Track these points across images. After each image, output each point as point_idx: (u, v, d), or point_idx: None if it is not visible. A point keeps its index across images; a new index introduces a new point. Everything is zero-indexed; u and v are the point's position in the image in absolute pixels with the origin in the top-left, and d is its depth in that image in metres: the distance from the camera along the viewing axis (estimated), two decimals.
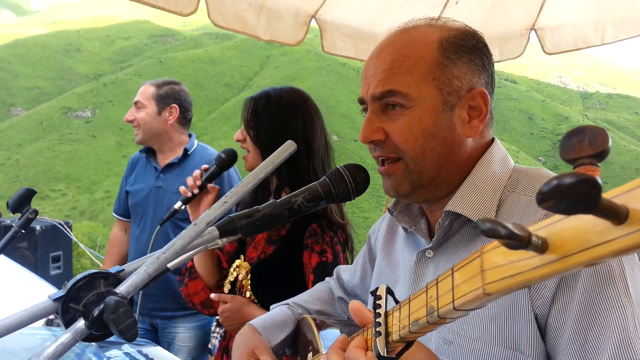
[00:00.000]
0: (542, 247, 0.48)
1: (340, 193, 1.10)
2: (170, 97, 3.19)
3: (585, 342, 0.90)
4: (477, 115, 1.12)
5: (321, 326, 1.56)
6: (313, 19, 2.81)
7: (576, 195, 0.39)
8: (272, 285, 2.06)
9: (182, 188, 2.09)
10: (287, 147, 1.09)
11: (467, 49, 1.12)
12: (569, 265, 0.47)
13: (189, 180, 2.08)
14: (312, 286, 1.98)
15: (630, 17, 2.76)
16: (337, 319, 1.61)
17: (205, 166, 2.12)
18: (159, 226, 2.17)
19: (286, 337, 1.48)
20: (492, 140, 1.19)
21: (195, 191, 2.05)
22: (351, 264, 2.11)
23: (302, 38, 2.75)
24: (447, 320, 0.68)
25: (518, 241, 0.47)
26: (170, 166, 3.20)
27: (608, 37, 2.78)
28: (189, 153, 3.21)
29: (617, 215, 0.41)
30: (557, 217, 0.48)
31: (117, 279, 0.85)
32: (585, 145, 0.46)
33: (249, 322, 1.52)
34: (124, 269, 0.88)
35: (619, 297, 0.89)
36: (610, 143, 0.46)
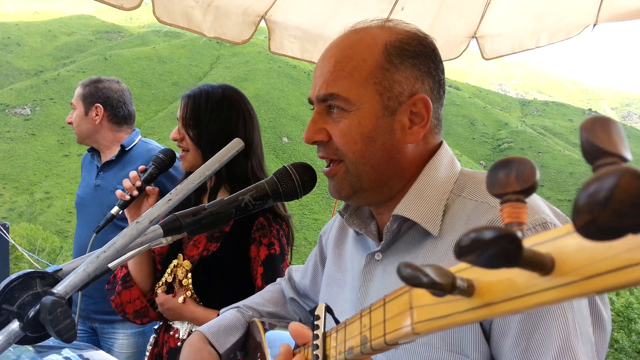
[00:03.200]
0: (468, 290, 0.46)
1: (287, 191, 1.11)
2: (93, 96, 3.11)
3: (528, 346, 0.92)
4: (419, 121, 1.11)
5: (269, 329, 1.55)
6: (263, 20, 2.81)
7: (495, 251, 0.37)
8: (216, 283, 2.03)
9: (118, 192, 2.00)
10: (234, 145, 1.09)
11: (411, 53, 1.11)
12: (496, 313, 0.44)
13: (126, 183, 1.99)
14: (261, 279, 1.97)
15: (563, 26, 2.93)
16: (288, 321, 1.59)
17: (142, 167, 2.05)
18: (95, 234, 2.07)
19: (237, 341, 1.45)
20: (440, 144, 1.19)
21: (135, 193, 1.98)
22: (292, 257, 2.12)
23: (248, 37, 2.74)
24: (382, 351, 0.66)
25: (441, 290, 0.44)
26: (108, 164, 3.11)
27: (542, 42, 2.95)
28: (127, 149, 3.11)
29: (542, 266, 0.39)
30: None
31: (55, 278, 0.83)
32: (512, 180, 0.43)
33: (198, 329, 1.47)
34: (61, 269, 0.86)
35: (561, 303, 0.93)
36: (537, 177, 0.43)
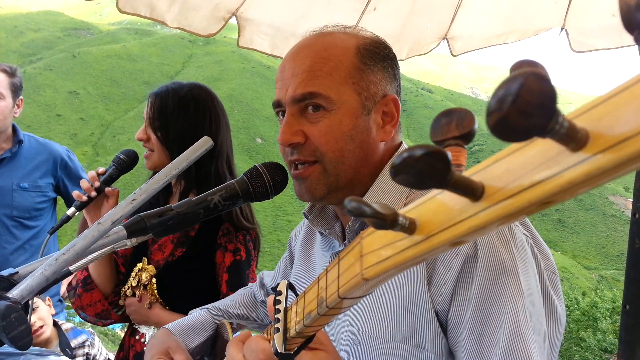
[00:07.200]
0: (410, 227, 0.47)
1: (258, 191, 1.08)
2: (19, 87, 2.90)
3: (481, 334, 0.95)
4: (390, 120, 1.16)
5: (238, 330, 1.54)
6: (234, 17, 2.78)
7: (425, 168, 0.38)
8: (181, 288, 1.99)
9: (75, 192, 1.96)
10: (203, 144, 1.07)
11: (381, 57, 1.16)
12: (435, 245, 0.46)
13: (84, 184, 1.95)
14: (227, 285, 1.95)
15: (530, 28, 2.99)
16: (259, 324, 1.60)
17: (102, 169, 2.01)
18: (49, 235, 2.02)
19: (204, 341, 1.44)
20: (400, 143, 1.23)
21: (93, 194, 1.93)
22: (257, 262, 2.11)
23: (215, 31, 2.69)
24: (340, 311, 0.67)
25: (382, 220, 0.45)
26: (1, 161, 2.92)
27: (510, 40, 3.04)
28: (23, 144, 2.98)
29: (472, 191, 0.40)
30: (428, 196, 0.48)
31: (10, 282, 0.79)
32: (452, 127, 0.46)
33: (165, 327, 1.46)
34: (17, 272, 0.81)
35: (512, 292, 0.95)
36: (476, 125, 0.46)
